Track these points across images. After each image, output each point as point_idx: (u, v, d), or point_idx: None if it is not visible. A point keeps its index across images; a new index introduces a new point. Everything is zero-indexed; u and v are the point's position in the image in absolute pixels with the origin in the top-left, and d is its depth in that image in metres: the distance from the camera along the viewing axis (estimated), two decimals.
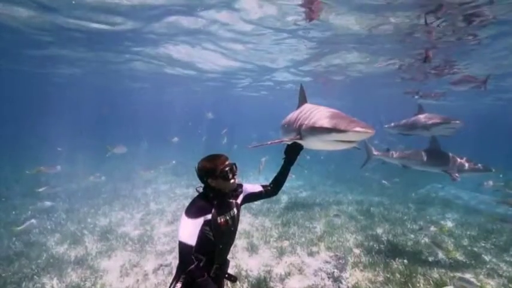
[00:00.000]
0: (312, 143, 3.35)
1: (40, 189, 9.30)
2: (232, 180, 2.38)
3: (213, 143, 17.24)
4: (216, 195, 2.38)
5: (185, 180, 13.28)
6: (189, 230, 2.21)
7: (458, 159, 6.04)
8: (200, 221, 2.25)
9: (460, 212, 9.69)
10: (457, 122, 5.87)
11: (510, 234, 7.34)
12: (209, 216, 2.30)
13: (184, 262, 2.20)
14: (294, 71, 15.45)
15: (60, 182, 11.49)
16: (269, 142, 3.68)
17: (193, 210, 2.29)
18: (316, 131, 3.14)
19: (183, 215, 2.27)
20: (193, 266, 2.17)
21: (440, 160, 6.20)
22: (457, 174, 5.88)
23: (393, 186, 12.49)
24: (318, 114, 3.33)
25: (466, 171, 5.94)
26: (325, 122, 3.06)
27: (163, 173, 14.06)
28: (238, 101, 33.81)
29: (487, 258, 6.12)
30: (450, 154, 6.16)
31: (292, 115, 4.14)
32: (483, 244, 6.86)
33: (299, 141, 3.23)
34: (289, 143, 3.08)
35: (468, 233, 7.55)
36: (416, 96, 9.79)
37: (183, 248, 2.18)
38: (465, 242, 6.97)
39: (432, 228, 6.93)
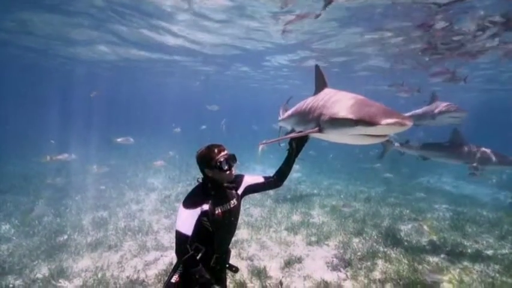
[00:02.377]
0: (334, 137, 2.88)
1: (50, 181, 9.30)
2: (228, 172, 2.33)
3: (211, 134, 17.21)
4: (213, 185, 2.36)
5: (183, 171, 13.27)
6: (186, 220, 2.21)
7: (483, 151, 5.69)
8: (197, 211, 2.24)
9: (456, 203, 9.79)
10: (462, 111, 5.75)
11: (507, 224, 7.43)
12: (206, 207, 2.29)
13: (179, 252, 2.21)
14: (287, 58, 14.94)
15: (59, 174, 11.45)
16: (288, 136, 3.05)
17: (190, 201, 2.29)
18: (338, 123, 2.62)
19: (181, 205, 2.28)
20: (187, 255, 2.18)
21: (463, 152, 5.89)
22: (478, 166, 5.56)
23: (391, 177, 12.58)
24: (340, 101, 2.81)
25: (492, 164, 5.59)
26: (349, 112, 2.54)
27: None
28: (234, 91, 33.10)
29: (482, 246, 6.21)
30: (474, 145, 5.84)
31: (309, 102, 3.50)
32: (478, 232, 6.95)
33: (318, 135, 2.91)
34: (298, 135, 2.77)
35: (462, 222, 7.63)
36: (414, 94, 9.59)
37: (179, 237, 2.20)
38: (459, 230, 7.06)
39: (421, 222, 6.99)
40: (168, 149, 15.47)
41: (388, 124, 2.29)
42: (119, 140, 10.68)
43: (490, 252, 5.91)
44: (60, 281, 4.79)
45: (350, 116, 2.50)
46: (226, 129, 16.13)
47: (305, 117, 3.35)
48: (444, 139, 6.30)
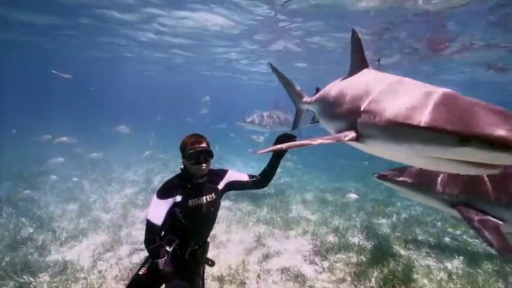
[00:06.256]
0: (387, 151, 1.69)
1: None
2: (197, 166, 2.22)
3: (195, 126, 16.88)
4: (190, 176, 2.29)
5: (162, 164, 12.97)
6: (157, 210, 2.17)
7: None
8: (169, 201, 2.19)
9: None
10: None
11: None
12: (179, 198, 2.23)
13: (147, 240, 2.17)
14: None
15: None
16: (288, 144, 2.13)
17: (164, 190, 2.25)
18: (415, 135, 1.43)
19: (155, 194, 2.24)
20: (153, 246, 2.13)
21: None
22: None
23: (366, 173, 12.97)
24: (406, 92, 1.64)
25: None
26: (444, 120, 1.35)
27: (141, 156, 13.62)
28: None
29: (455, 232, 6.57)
30: None
31: (342, 87, 2.35)
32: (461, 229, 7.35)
33: (353, 144, 1.93)
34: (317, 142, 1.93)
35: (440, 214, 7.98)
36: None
37: (148, 226, 2.17)
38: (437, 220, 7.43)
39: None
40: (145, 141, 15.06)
41: None
42: (117, 128, 11.71)
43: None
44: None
45: (449, 127, 1.31)
46: (207, 108, 15.94)
47: (333, 112, 2.29)
48: None
